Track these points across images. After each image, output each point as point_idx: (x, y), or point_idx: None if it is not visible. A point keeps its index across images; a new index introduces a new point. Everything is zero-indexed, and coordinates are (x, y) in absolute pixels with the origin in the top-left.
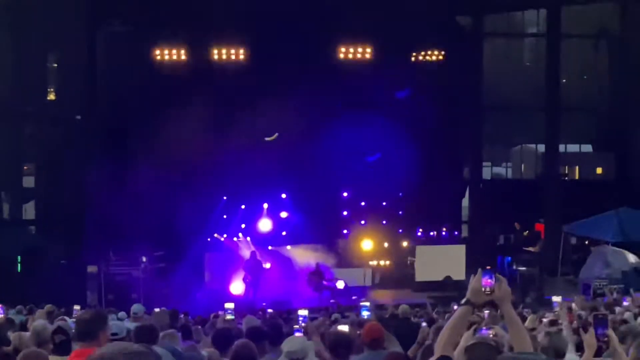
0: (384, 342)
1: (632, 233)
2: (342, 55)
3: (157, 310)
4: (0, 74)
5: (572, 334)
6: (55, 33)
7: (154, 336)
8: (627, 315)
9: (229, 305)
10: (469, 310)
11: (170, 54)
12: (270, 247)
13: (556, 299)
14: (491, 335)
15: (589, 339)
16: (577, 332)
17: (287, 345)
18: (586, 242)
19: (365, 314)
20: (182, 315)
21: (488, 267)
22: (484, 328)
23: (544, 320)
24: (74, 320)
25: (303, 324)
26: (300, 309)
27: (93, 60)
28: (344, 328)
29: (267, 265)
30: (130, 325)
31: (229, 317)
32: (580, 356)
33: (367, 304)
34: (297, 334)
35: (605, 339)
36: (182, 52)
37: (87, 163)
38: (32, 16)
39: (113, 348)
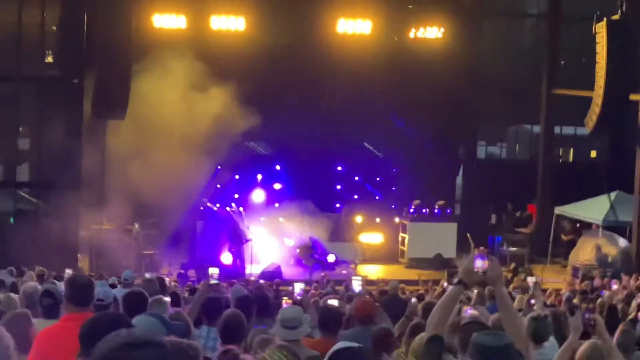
0: (375, 318)
1: (623, 215)
2: (340, 29)
3: (147, 276)
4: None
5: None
6: None
7: (143, 303)
8: (614, 298)
9: (214, 271)
10: (461, 290)
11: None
12: (262, 219)
13: (530, 279)
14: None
15: (576, 322)
16: (565, 315)
17: (282, 313)
18: (577, 225)
19: (357, 287)
20: (172, 283)
21: (481, 248)
22: (468, 308)
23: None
24: (64, 283)
25: (299, 297)
26: (295, 281)
27: (91, 24)
28: (333, 302)
29: (253, 237)
30: (120, 291)
31: (212, 281)
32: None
33: (359, 278)
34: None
35: (592, 322)
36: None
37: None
38: None
39: (114, 341)
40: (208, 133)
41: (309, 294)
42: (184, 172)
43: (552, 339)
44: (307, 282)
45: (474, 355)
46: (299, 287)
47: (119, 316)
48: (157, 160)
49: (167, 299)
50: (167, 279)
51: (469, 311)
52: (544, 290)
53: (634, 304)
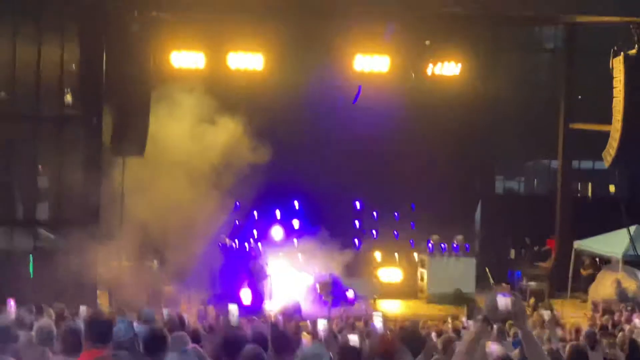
0: (395, 355)
1: None
2: (358, 67)
3: (165, 312)
4: (18, 77)
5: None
6: (71, 35)
7: (163, 341)
8: (635, 333)
9: (233, 307)
10: (485, 327)
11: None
12: (280, 255)
13: (545, 313)
14: (501, 351)
15: (597, 357)
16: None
17: (304, 350)
18: (597, 260)
19: (378, 324)
20: (191, 320)
21: (504, 284)
22: (492, 344)
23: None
24: (83, 321)
25: (322, 334)
26: (318, 318)
27: (109, 62)
28: (353, 337)
29: (271, 274)
30: (140, 328)
31: (232, 318)
32: None
33: (380, 313)
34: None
35: (612, 359)
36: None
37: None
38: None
39: None
40: (220, 167)
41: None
42: (200, 207)
43: None
44: (327, 319)
45: None
46: (322, 324)
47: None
48: (172, 196)
49: (187, 336)
50: (186, 316)
51: (494, 347)
52: (563, 326)
53: None
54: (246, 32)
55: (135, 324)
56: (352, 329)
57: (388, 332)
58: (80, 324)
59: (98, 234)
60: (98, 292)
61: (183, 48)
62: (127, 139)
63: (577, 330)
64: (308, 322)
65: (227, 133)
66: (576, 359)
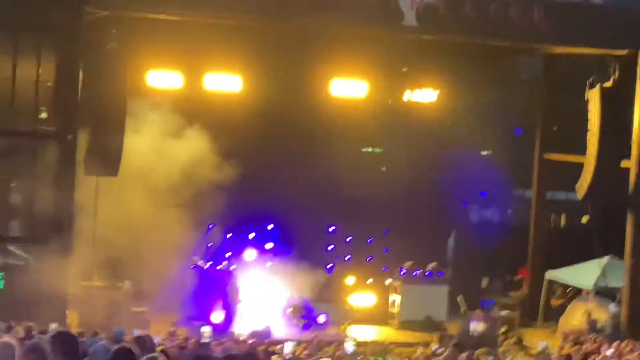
0: None
1: (614, 281)
2: (334, 92)
3: (136, 333)
4: None
5: None
6: (47, 52)
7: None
8: None
9: (206, 329)
10: (456, 353)
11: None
12: (253, 278)
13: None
14: None
15: None
16: None
17: None
18: (568, 290)
19: (349, 348)
20: (161, 340)
21: (477, 311)
22: None
23: None
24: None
25: (288, 357)
26: (286, 341)
27: (86, 81)
28: None
29: (243, 297)
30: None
31: (204, 340)
32: None
33: (352, 340)
34: None
35: None
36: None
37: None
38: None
39: None
40: (191, 187)
41: (296, 354)
42: (172, 228)
43: None
44: (297, 342)
45: None
46: (289, 347)
47: None
48: (143, 216)
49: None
50: (157, 337)
51: None
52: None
53: None
54: (224, 53)
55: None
56: (321, 352)
57: (359, 358)
58: (46, 342)
59: (69, 252)
60: (67, 311)
61: (160, 67)
62: (101, 158)
63: None
64: (278, 345)
65: (198, 152)
66: None
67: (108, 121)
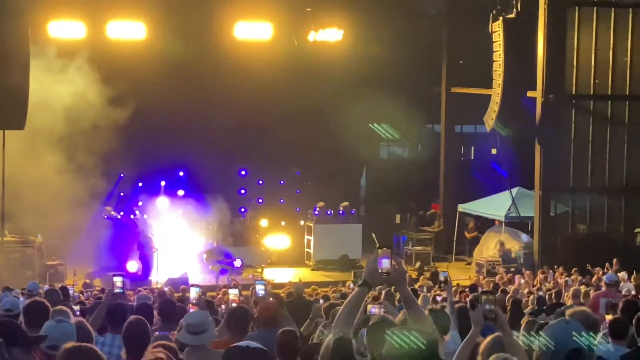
0: (278, 321)
1: (525, 211)
2: (239, 34)
3: (47, 287)
4: None
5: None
6: None
7: (45, 312)
8: (519, 294)
9: (118, 279)
10: (365, 291)
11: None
12: (166, 225)
13: (442, 274)
14: (382, 312)
15: (476, 315)
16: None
17: (187, 318)
18: (479, 224)
19: (260, 291)
20: (77, 293)
21: (385, 249)
22: (372, 307)
23: (438, 298)
24: None
25: (194, 302)
26: (192, 286)
27: None
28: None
29: (158, 245)
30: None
31: (117, 290)
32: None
33: (262, 281)
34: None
35: (492, 315)
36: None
37: None
38: None
39: None
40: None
41: (215, 299)
42: (81, 179)
43: (454, 332)
44: (214, 288)
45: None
46: (194, 292)
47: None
48: (50, 168)
49: (74, 307)
50: (71, 289)
51: (374, 310)
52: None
53: (531, 297)
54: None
55: (20, 299)
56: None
57: (271, 300)
58: None
59: None
60: None
61: (61, 17)
62: (7, 111)
63: (462, 292)
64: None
65: (102, 101)
66: (461, 319)
67: (11, 75)
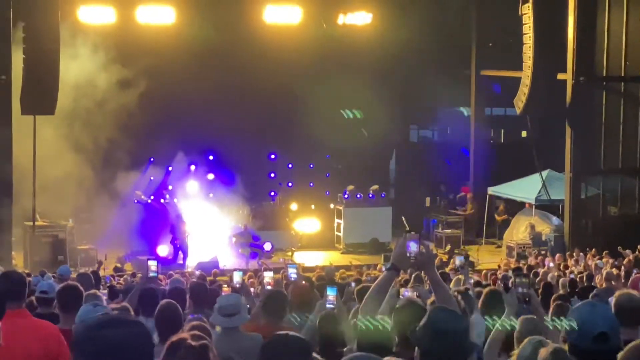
0: (311, 303)
1: (555, 194)
2: (268, 18)
3: (81, 271)
4: None
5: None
6: None
7: (78, 297)
8: (549, 277)
9: (152, 263)
10: (393, 275)
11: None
12: (196, 209)
13: (458, 259)
14: (415, 296)
15: (510, 298)
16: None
17: (220, 301)
18: (510, 207)
19: (292, 275)
20: (109, 277)
21: (413, 232)
22: (405, 290)
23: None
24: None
25: (237, 286)
26: (234, 270)
27: (17, 20)
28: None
29: (190, 229)
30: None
31: (150, 274)
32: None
33: (294, 265)
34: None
35: (527, 298)
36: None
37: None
38: None
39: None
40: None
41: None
42: (111, 164)
43: (476, 315)
44: (245, 271)
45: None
46: (237, 276)
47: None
48: (80, 153)
49: (104, 292)
50: (103, 273)
51: (406, 293)
52: (479, 271)
53: (562, 280)
54: None
55: (52, 283)
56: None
57: (303, 282)
58: None
59: (10, 193)
60: (13, 253)
61: (91, 2)
62: (37, 96)
63: (492, 275)
64: (227, 276)
65: (133, 87)
66: (490, 300)
67: (42, 59)
